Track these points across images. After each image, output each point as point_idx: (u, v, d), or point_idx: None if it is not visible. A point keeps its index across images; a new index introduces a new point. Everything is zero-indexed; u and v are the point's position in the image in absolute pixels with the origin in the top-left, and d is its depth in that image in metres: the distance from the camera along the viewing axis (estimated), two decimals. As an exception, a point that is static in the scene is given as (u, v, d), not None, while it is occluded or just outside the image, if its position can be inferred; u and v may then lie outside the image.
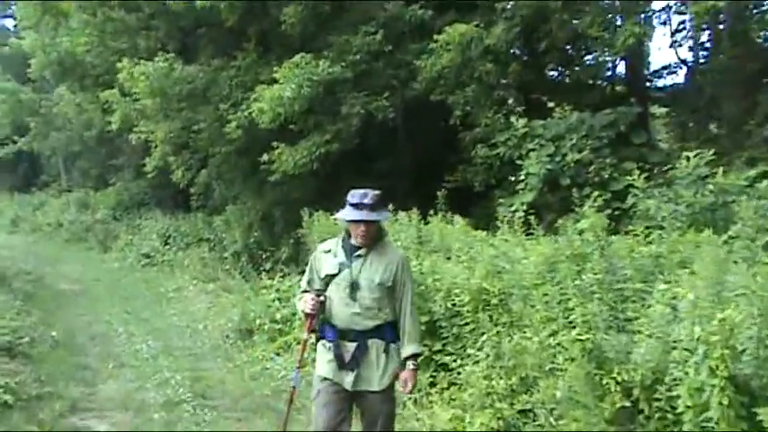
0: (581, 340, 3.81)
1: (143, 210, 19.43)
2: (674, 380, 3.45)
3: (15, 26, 25.34)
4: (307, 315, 3.80)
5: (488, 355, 4.82)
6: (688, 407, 3.26)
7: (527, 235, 6.24)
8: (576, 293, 4.39)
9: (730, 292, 3.68)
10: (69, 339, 8.64)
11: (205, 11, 10.96)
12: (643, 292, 4.40)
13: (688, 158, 6.58)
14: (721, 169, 6.32)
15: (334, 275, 3.75)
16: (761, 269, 3.56)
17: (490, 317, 5.13)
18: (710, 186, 6.22)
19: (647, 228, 5.56)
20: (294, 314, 7.69)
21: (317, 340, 3.90)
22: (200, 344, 8.51)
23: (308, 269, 3.97)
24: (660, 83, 12.50)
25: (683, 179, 6.52)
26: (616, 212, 7.11)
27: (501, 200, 8.76)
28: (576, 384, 3.91)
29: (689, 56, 12.13)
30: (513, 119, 9.16)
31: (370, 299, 3.69)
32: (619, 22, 9.76)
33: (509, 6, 10.41)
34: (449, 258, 6.47)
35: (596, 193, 6.34)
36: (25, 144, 25.61)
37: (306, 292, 3.87)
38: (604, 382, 3.75)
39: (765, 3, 9.90)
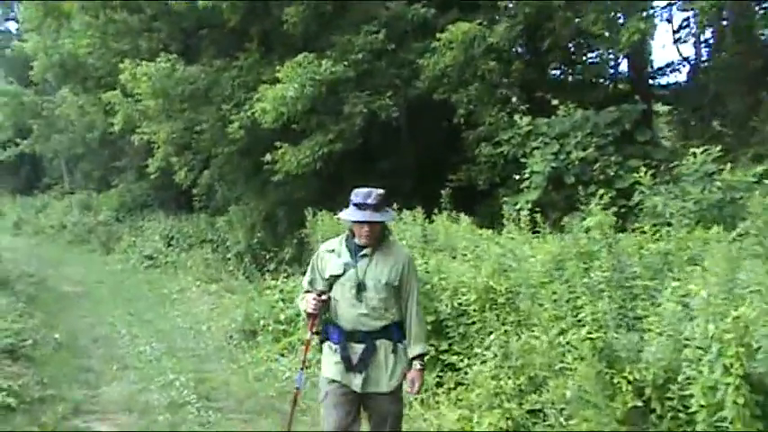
0: (591, 339, 3.75)
1: (146, 211, 19.41)
2: (687, 379, 3.39)
3: (18, 29, 25.39)
4: (309, 315, 3.74)
5: (496, 355, 4.76)
6: (702, 406, 3.21)
7: (533, 233, 6.19)
8: (584, 291, 4.33)
9: (742, 289, 3.63)
10: (72, 341, 8.60)
11: (207, 11, 10.92)
12: (652, 289, 4.35)
13: (695, 155, 6.53)
14: (729, 165, 6.27)
15: (338, 276, 3.68)
16: (773, 265, 3.51)
17: (497, 316, 5.08)
18: (718, 183, 6.17)
19: (655, 225, 5.52)
20: (298, 315, 7.63)
21: (322, 342, 3.84)
22: (203, 345, 8.47)
23: (309, 269, 3.90)
24: (663, 80, 12.48)
25: (690, 176, 6.48)
26: (622, 210, 7.05)
27: (505, 198, 8.70)
28: (587, 384, 3.85)
29: (692, 53, 12.09)
30: (516, 117, 9.12)
31: (377, 299, 3.63)
32: (621, 20, 9.74)
33: (512, 5, 10.38)
34: (454, 257, 6.42)
35: (602, 191, 6.29)
36: (28, 146, 25.62)
37: (308, 292, 3.80)
38: (615, 381, 3.70)
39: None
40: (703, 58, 11.68)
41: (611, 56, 11.92)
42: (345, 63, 10.10)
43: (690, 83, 11.96)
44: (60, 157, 27.09)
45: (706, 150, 6.49)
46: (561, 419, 4.19)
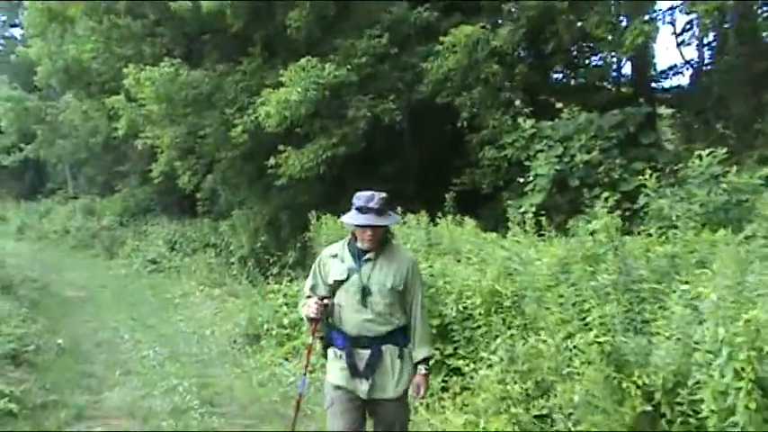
0: (599, 343, 3.70)
1: (149, 216, 19.40)
2: (697, 383, 3.35)
3: (22, 35, 25.45)
4: (311, 320, 3.69)
5: (502, 359, 4.71)
6: (712, 411, 3.16)
7: (538, 236, 6.15)
8: (591, 295, 4.29)
9: (751, 291, 3.59)
10: (75, 347, 8.58)
11: (210, 16, 10.90)
12: (660, 292, 4.31)
13: (700, 157, 6.49)
14: (735, 168, 6.23)
15: (342, 281, 3.63)
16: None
17: (503, 320, 5.04)
18: (724, 185, 6.13)
19: (660, 228, 5.47)
20: (302, 319, 7.59)
21: (325, 347, 3.79)
22: (207, 350, 8.43)
23: (311, 274, 3.84)
24: (666, 84, 12.46)
25: (696, 178, 6.43)
26: (626, 213, 7.02)
27: (509, 201, 8.68)
28: (595, 388, 3.81)
29: (694, 56, 12.07)
30: (520, 120, 9.10)
31: (382, 304, 3.58)
32: (624, 23, 9.72)
33: (513, 9, 10.37)
34: (459, 261, 6.38)
35: (606, 194, 6.25)
36: (32, 152, 25.66)
37: (309, 297, 3.75)
38: (624, 385, 3.65)
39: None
40: (706, 61, 11.63)
41: (614, 59, 11.92)
42: (349, 67, 10.09)
43: (693, 86, 11.93)
44: (64, 162, 27.13)
45: (711, 153, 6.45)
46: (569, 424, 4.13)
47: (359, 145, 10.45)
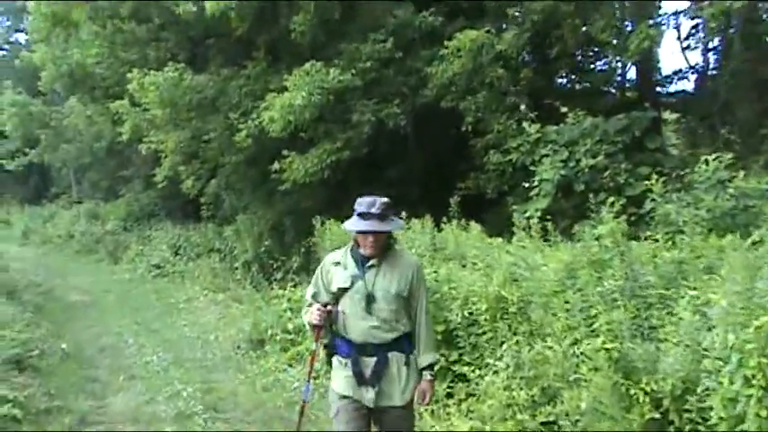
0: (607, 349, 3.66)
1: (153, 220, 19.42)
2: (706, 390, 3.31)
3: (27, 40, 25.54)
4: (314, 327, 3.64)
5: (508, 365, 4.68)
6: (721, 418, 3.13)
7: (544, 241, 6.12)
8: (599, 301, 4.25)
9: (761, 298, 3.55)
10: (79, 351, 8.57)
11: (214, 20, 10.91)
12: (667, 298, 4.27)
13: (707, 162, 6.46)
14: (742, 173, 6.20)
15: (346, 289, 3.58)
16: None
17: (509, 325, 5.01)
18: (731, 190, 6.10)
19: (667, 233, 5.44)
20: (305, 326, 7.58)
21: (329, 356, 3.75)
22: (211, 355, 8.40)
23: (313, 282, 3.79)
24: (671, 88, 12.43)
25: (703, 183, 6.41)
26: (631, 218, 6.98)
27: (514, 206, 8.65)
28: (602, 395, 3.77)
29: (699, 61, 12.04)
30: (525, 124, 9.08)
31: (387, 311, 3.53)
32: (630, 28, 9.70)
33: (518, 13, 10.36)
34: (464, 266, 6.35)
35: (612, 199, 6.21)
36: (36, 156, 25.73)
37: (311, 305, 3.69)
38: (632, 392, 3.62)
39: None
40: (712, 66, 11.61)
41: (619, 63, 11.91)
42: (353, 71, 10.09)
43: (698, 90, 11.90)
44: (68, 166, 27.19)
45: (718, 158, 6.42)
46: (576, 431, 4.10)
47: (363, 149, 10.44)
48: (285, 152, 10.59)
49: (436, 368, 3.83)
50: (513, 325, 5.05)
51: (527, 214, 7.82)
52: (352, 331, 3.58)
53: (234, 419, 6.09)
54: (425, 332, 3.66)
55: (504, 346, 4.85)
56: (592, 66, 12.51)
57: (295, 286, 9.84)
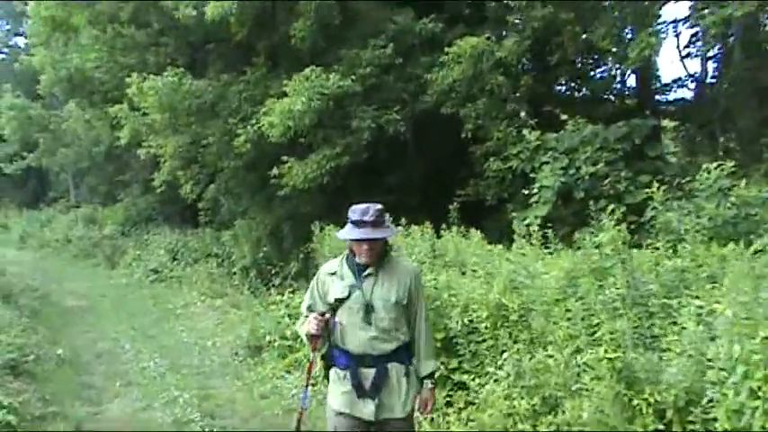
0: (609, 359, 3.62)
1: (151, 225, 19.34)
2: (710, 401, 3.27)
3: (26, 44, 25.52)
4: (311, 337, 3.54)
5: (509, 374, 4.63)
6: (726, 430, 3.08)
7: (545, 248, 6.09)
8: (601, 309, 4.21)
9: (766, 308, 3.51)
10: (75, 357, 8.51)
11: (214, 25, 10.88)
12: (669, 307, 4.23)
13: (708, 170, 6.43)
14: (743, 181, 6.18)
15: (344, 299, 3.50)
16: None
17: (509, 334, 4.96)
18: (732, 198, 6.08)
19: (668, 241, 5.41)
20: (298, 337, 7.53)
21: (327, 368, 3.69)
22: (208, 362, 8.35)
23: (308, 294, 3.71)
24: (670, 96, 12.44)
25: (704, 191, 6.38)
26: (631, 226, 6.95)
27: (513, 213, 8.63)
28: (605, 405, 3.73)
29: (698, 69, 12.06)
30: (525, 132, 9.07)
31: (387, 320, 3.47)
32: (630, 36, 9.71)
33: (518, 20, 10.36)
34: (464, 273, 6.31)
35: (612, 207, 6.18)
36: (34, 160, 25.69)
37: (307, 317, 3.61)
38: (635, 402, 3.57)
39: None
40: (713, 74, 11.62)
41: (619, 71, 11.91)
42: (353, 77, 10.06)
43: (697, 99, 11.91)
44: (66, 170, 27.14)
45: (720, 166, 6.39)
46: (578, 442, 4.05)
47: (362, 155, 10.39)
48: (284, 158, 10.56)
49: (436, 376, 3.78)
50: (513, 333, 5.00)
51: (527, 221, 7.81)
52: (350, 342, 3.51)
53: (231, 427, 6.04)
54: (425, 340, 3.61)
55: (505, 355, 4.79)
56: (592, 73, 12.51)
57: (293, 292, 9.80)
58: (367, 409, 3.47)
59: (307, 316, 3.61)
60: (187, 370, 7.93)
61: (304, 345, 7.53)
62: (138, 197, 20.98)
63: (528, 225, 7.27)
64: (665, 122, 12.40)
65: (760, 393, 2.89)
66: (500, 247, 6.64)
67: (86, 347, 9.14)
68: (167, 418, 6.18)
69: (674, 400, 3.48)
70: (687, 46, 11.56)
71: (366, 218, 3.41)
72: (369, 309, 3.47)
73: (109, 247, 18.90)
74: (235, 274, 12.90)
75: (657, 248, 5.19)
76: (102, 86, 15.26)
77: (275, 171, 10.67)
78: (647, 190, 6.59)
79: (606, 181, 8.01)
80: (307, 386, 3.83)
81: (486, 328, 5.14)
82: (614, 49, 10.20)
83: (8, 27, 34.03)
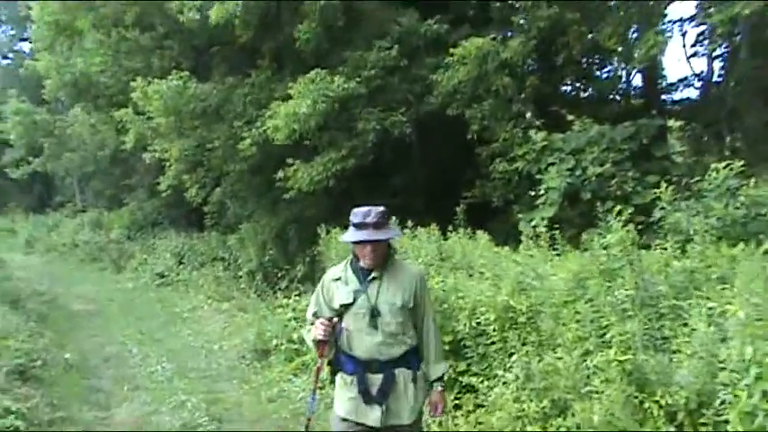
0: (620, 361, 3.59)
1: (157, 229, 19.39)
2: (723, 403, 3.24)
3: (31, 49, 25.64)
4: (319, 342, 3.51)
5: (518, 377, 4.60)
6: (739, 432, 3.06)
7: (552, 249, 6.06)
8: (610, 311, 4.18)
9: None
10: (82, 361, 8.52)
11: (219, 29, 10.88)
12: (679, 308, 4.20)
13: (717, 170, 6.38)
14: (752, 181, 6.13)
15: (349, 305, 3.49)
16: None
17: (518, 336, 4.93)
18: (741, 198, 6.03)
19: (677, 242, 5.36)
20: (303, 342, 7.51)
21: (333, 373, 3.67)
22: (215, 365, 8.35)
23: (313, 300, 3.70)
24: (676, 96, 12.39)
25: (712, 191, 6.33)
26: (639, 226, 6.91)
27: (520, 215, 8.60)
28: (615, 407, 3.69)
29: (704, 68, 12.01)
30: (531, 132, 9.03)
31: (394, 324, 3.45)
32: (636, 35, 9.66)
33: (523, 21, 10.32)
34: (471, 275, 6.28)
35: (619, 207, 6.14)
36: (40, 165, 25.78)
37: (313, 324, 3.58)
38: (646, 405, 3.54)
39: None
40: (720, 72, 11.56)
41: (624, 71, 11.87)
42: (358, 79, 10.05)
43: (703, 98, 11.86)
44: (72, 175, 27.24)
45: (728, 165, 6.34)
46: (588, 445, 4.02)
47: (368, 158, 10.37)
48: (289, 160, 10.55)
49: (445, 378, 3.76)
50: (522, 335, 4.96)
51: (533, 223, 7.76)
52: (357, 348, 3.49)
53: (239, 431, 6.03)
54: (434, 342, 3.59)
55: (514, 357, 4.77)
56: (598, 73, 12.47)
57: (299, 295, 9.81)
58: (373, 415, 3.45)
59: (313, 323, 3.58)
60: (194, 374, 7.93)
61: (310, 349, 7.54)
62: (143, 201, 21.03)
63: (534, 226, 7.24)
64: (671, 122, 12.34)
65: (774, 396, 2.86)
66: (507, 248, 6.60)
67: (94, 352, 9.15)
68: (175, 422, 6.17)
69: (685, 403, 3.45)
70: (693, 45, 11.52)
71: (368, 220, 3.40)
72: (374, 313, 3.45)
73: (115, 251, 18.94)
74: (241, 277, 12.89)
75: (666, 249, 5.15)
76: (106, 90, 15.30)
77: (280, 174, 10.67)
78: (654, 190, 6.54)
79: (613, 181, 7.96)
80: (314, 391, 3.81)
81: (494, 330, 5.11)
82: (620, 49, 10.14)
83: (13, 32, 34.24)
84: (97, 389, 7.37)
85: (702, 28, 10.82)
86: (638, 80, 12.04)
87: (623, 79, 12.26)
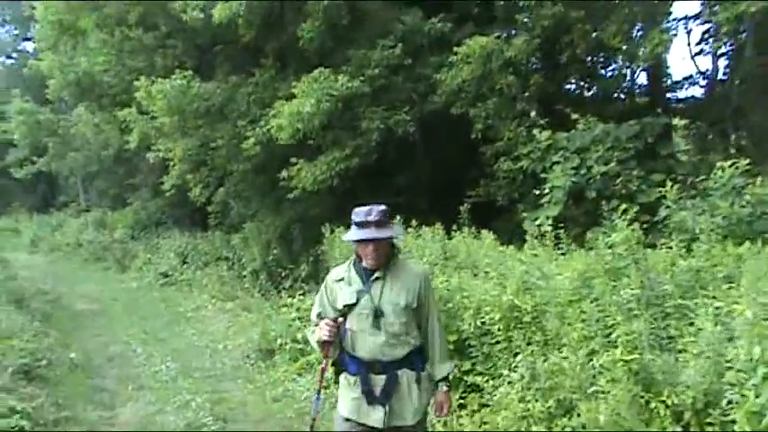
0: (626, 360, 3.57)
1: (161, 229, 19.41)
2: (729, 403, 3.22)
3: (35, 49, 25.71)
4: (324, 343, 3.50)
5: (523, 376, 4.58)
6: (746, 432, 3.04)
7: (557, 248, 6.04)
8: (616, 310, 4.16)
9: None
10: (87, 361, 8.53)
11: (222, 28, 10.88)
12: (685, 308, 4.18)
13: (722, 169, 6.36)
14: (759, 179, 6.10)
15: (353, 305, 3.47)
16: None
17: (523, 335, 4.91)
18: (747, 197, 6.00)
19: (682, 241, 5.34)
20: (308, 343, 7.51)
21: (337, 373, 3.66)
22: (220, 365, 8.35)
23: (317, 301, 3.69)
24: (680, 94, 12.35)
25: (718, 190, 6.30)
26: (644, 225, 6.89)
27: (524, 214, 8.57)
28: (621, 407, 3.68)
29: (709, 66, 11.97)
30: (535, 131, 9.00)
31: (397, 324, 3.43)
32: (640, 34, 9.63)
33: (527, 19, 10.29)
34: (476, 275, 6.27)
35: (624, 206, 6.12)
36: (44, 165, 25.85)
37: (317, 325, 3.58)
38: (652, 405, 3.52)
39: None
40: (725, 70, 11.52)
41: (629, 69, 11.82)
42: (361, 78, 10.02)
43: (708, 96, 11.81)
44: (76, 175, 27.31)
45: (734, 164, 6.31)
46: (594, 445, 4.00)
47: (372, 157, 10.35)
48: (293, 160, 10.54)
49: (450, 378, 3.74)
50: (527, 335, 4.95)
51: (538, 222, 7.73)
52: (360, 349, 3.48)
53: (244, 430, 6.02)
54: (438, 342, 3.57)
55: (519, 357, 4.75)
56: (602, 71, 12.42)
57: (304, 295, 9.80)
58: (376, 416, 3.43)
59: (317, 324, 3.58)
60: (199, 373, 7.93)
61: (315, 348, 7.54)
62: (147, 201, 21.06)
63: (539, 225, 7.22)
64: (676, 120, 12.29)
65: (782, 395, 2.84)
66: (512, 247, 6.58)
67: (98, 351, 9.16)
68: (180, 421, 6.17)
69: (692, 402, 3.43)
70: (698, 43, 11.47)
71: (369, 218, 3.38)
72: (378, 314, 3.43)
73: (119, 250, 18.97)
74: (245, 276, 12.90)
75: (671, 248, 5.13)
76: (110, 90, 15.33)
77: (284, 173, 10.66)
78: (659, 189, 6.52)
79: (618, 180, 7.93)
80: (319, 390, 3.81)
81: (499, 329, 5.10)
82: (625, 47, 10.10)
83: (16, 32, 34.31)
84: (102, 388, 7.38)
85: (707, 26, 10.77)
86: (642, 78, 12.02)
87: (628, 78, 12.23)
